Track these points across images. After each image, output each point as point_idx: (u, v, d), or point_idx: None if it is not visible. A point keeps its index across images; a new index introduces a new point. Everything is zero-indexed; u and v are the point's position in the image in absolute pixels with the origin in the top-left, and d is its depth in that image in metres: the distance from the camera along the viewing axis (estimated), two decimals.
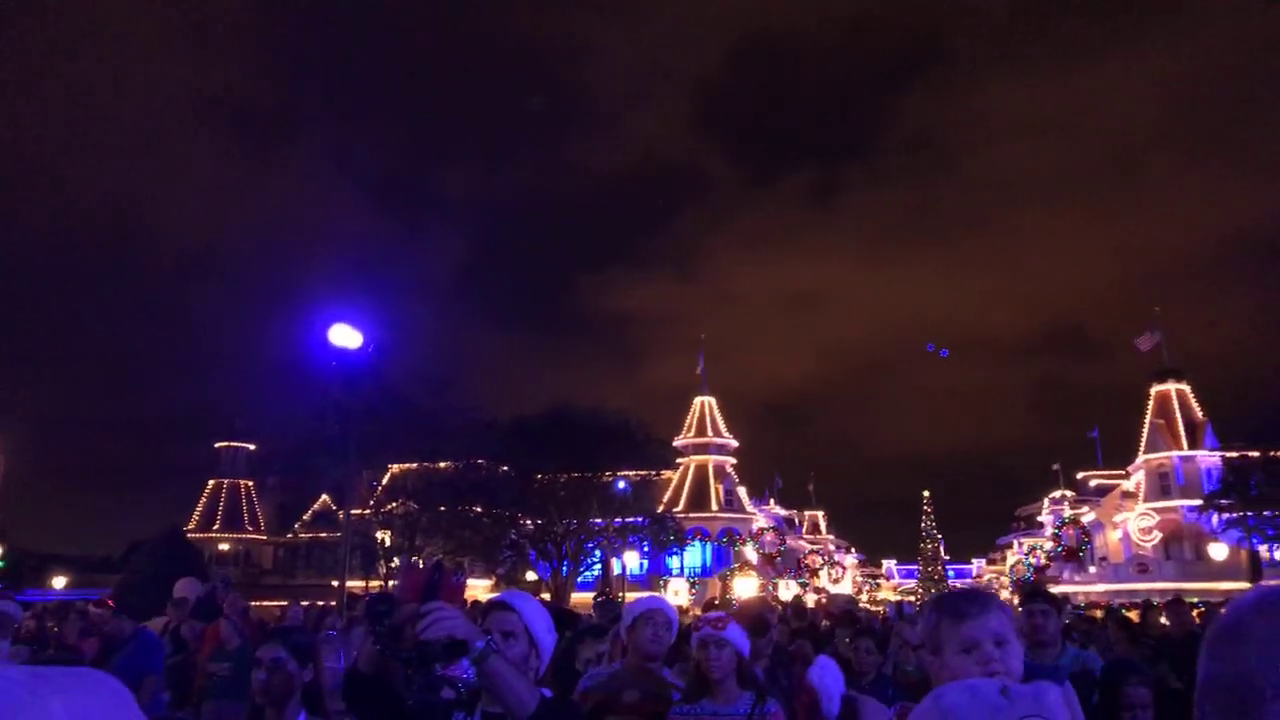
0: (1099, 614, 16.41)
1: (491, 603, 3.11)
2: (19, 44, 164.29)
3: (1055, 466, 67.09)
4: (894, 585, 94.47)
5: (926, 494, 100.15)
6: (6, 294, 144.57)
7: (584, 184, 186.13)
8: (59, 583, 47.97)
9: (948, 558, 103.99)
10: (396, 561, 37.31)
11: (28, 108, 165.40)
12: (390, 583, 35.11)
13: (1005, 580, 68.99)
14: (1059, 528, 53.60)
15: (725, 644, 3.77)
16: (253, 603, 18.17)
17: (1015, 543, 75.44)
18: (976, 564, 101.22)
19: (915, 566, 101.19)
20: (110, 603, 9.13)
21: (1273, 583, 1.03)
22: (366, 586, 35.29)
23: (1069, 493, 65.00)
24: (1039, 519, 69.10)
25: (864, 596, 63.10)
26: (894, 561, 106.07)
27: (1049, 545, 55.46)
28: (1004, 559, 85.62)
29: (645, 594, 5.66)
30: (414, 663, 2.68)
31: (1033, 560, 58.40)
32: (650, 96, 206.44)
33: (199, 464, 60.97)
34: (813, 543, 69.17)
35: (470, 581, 46.06)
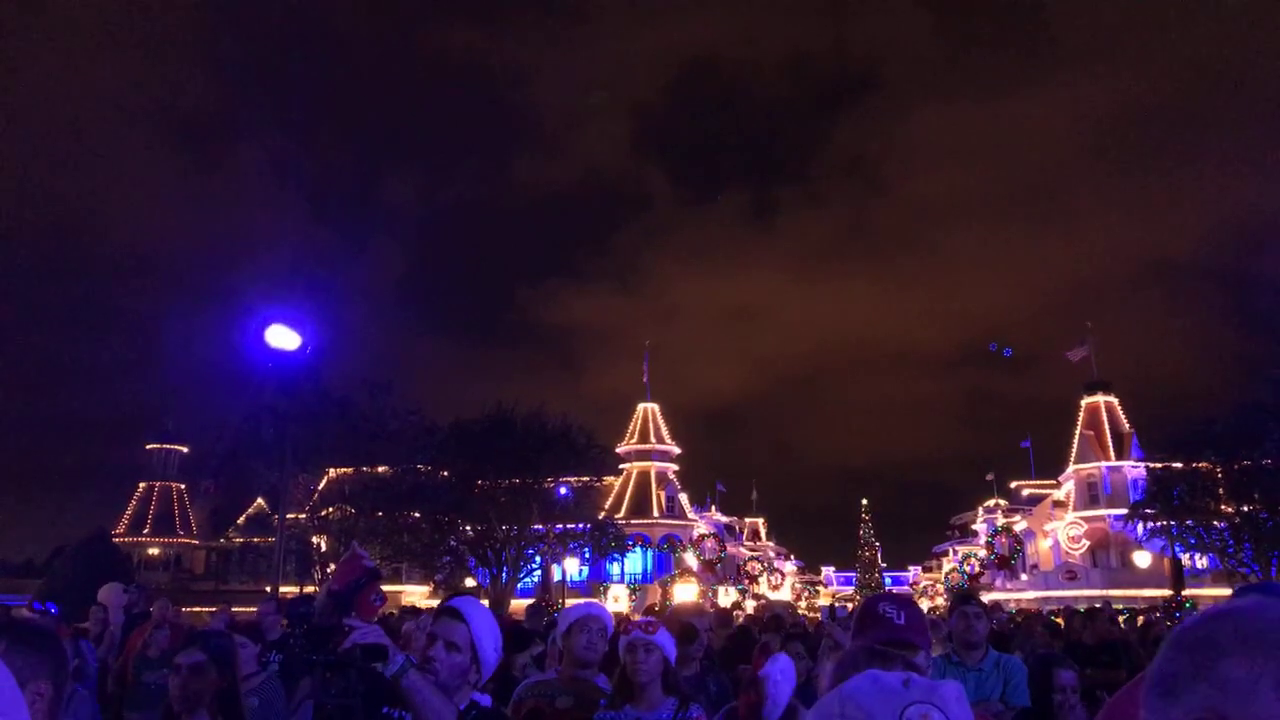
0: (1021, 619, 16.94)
1: (443, 608, 3.07)
2: None
3: (989, 476, 68.67)
4: (832, 592, 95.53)
5: (865, 502, 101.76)
6: None
7: (526, 199, 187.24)
8: None
9: (885, 565, 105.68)
10: (333, 567, 36.70)
11: None
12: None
13: (941, 588, 70.19)
14: (992, 536, 54.72)
15: (654, 648, 3.77)
16: (185, 609, 17.75)
17: (951, 550, 76.85)
18: (913, 571, 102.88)
19: (853, 574, 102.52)
20: (34, 606, 8.84)
21: (1245, 600, 1.02)
22: (301, 592, 34.67)
23: (1002, 501, 66.44)
24: (973, 527, 70.51)
25: (803, 603, 63.70)
26: (833, 569, 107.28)
27: (982, 553, 56.57)
28: (940, 566, 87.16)
29: (582, 600, 5.66)
30: (332, 666, 2.67)
31: (967, 568, 59.55)
32: (593, 117, 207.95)
33: (129, 466, 59.41)
34: (753, 550, 69.65)
35: (408, 588, 45.52)
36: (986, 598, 35.33)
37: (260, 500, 52.31)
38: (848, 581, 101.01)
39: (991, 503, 67.22)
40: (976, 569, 57.23)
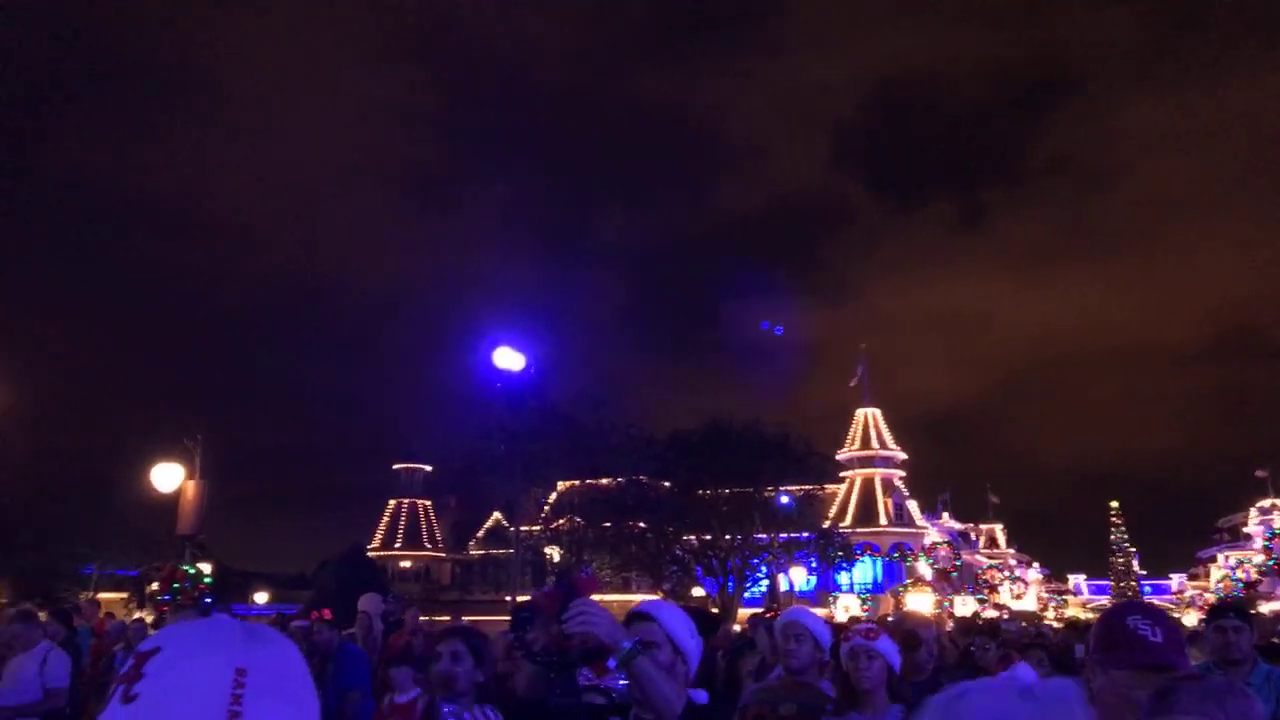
0: None
1: (631, 614, 3.13)
2: (227, 125, 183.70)
3: (1261, 473, 61.49)
4: (1083, 601, 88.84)
5: (1114, 505, 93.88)
6: (205, 339, 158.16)
7: (728, 222, 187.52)
8: (260, 598, 51.68)
9: (1143, 572, 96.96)
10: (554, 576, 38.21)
11: (234, 182, 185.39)
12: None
13: (1211, 597, 63.66)
14: (1270, 539, 49.08)
15: (876, 655, 3.67)
16: (434, 618, 19.03)
17: (1219, 556, 69.58)
18: (1176, 579, 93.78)
19: (1107, 582, 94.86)
20: (328, 614, 9.63)
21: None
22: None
23: (1279, 500, 59.46)
24: (1245, 530, 63.50)
25: (1050, 613, 59.68)
26: (1083, 577, 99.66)
27: (1259, 558, 50.86)
28: (1208, 574, 79.10)
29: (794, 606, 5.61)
30: (555, 667, 2.77)
31: (1241, 575, 53.68)
32: (787, 140, 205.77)
33: (379, 485, 64.25)
34: (991, 557, 66.05)
35: (636, 597, 46.57)
36: (1266, 607, 31.73)
37: (497, 514, 55.22)
38: (1101, 590, 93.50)
39: (1268, 503, 60.22)
40: (1253, 575, 51.49)
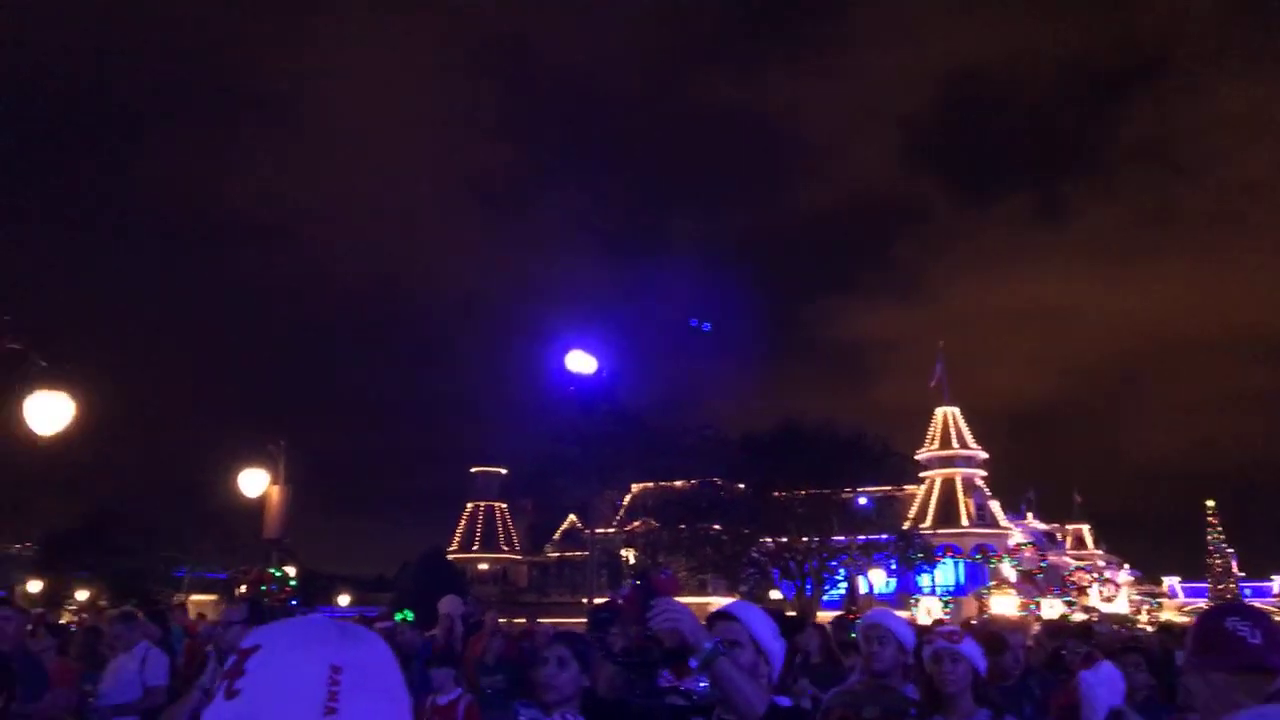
0: None
1: (715, 614, 3.13)
2: (311, 141, 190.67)
3: None
4: (1178, 605, 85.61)
5: (1210, 504, 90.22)
6: (289, 347, 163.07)
7: (800, 222, 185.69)
8: (343, 600, 53.00)
9: (1242, 574, 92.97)
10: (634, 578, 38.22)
11: (314, 195, 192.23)
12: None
13: None
14: None
15: (960, 658, 3.59)
16: (511, 620, 19.24)
17: None
18: (1278, 581, 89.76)
19: (1204, 584, 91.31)
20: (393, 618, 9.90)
21: None
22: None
23: None
24: None
25: (1143, 616, 57.69)
26: (1177, 579, 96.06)
27: None
28: None
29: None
30: (637, 668, 2.78)
31: None
32: (859, 136, 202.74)
33: (456, 489, 65.31)
34: (1078, 558, 64.11)
35: (714, 599, 46.40)
36: None
37: (572, 516, 55.60)
38: (1197, 593, 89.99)
39: None
40: None
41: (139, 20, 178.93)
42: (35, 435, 8.76)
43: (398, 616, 9.56)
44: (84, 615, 24.82)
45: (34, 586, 44.43)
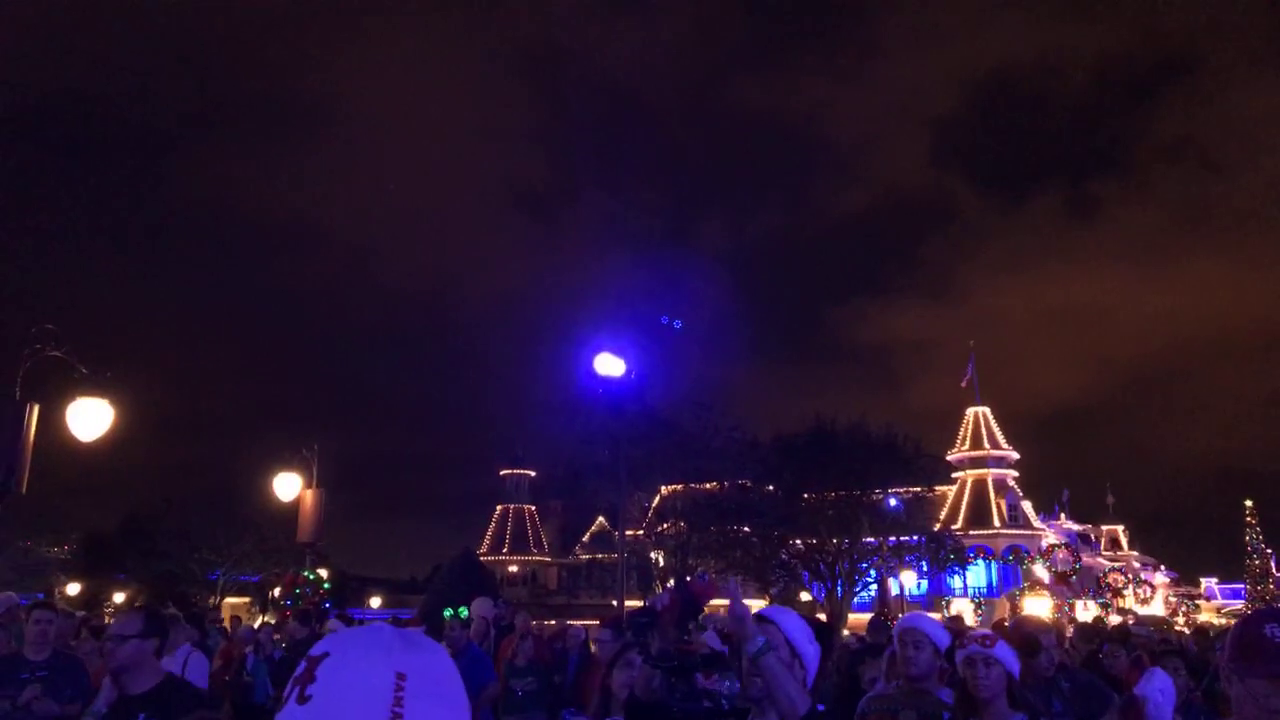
0: None
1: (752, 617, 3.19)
2: (348, 149, 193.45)
3: None
4: (1216, 606, 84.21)
5: (1249, 504, 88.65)
6: (321, 353, 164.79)
7: (828, 224, 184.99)
8: (375, 602, 53.44)
9: None
10: (672, 581, 38.25)
11: (349, 202, 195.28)
12: None
13: None
14: None
15: (994, 662, 3.59)
16: (542, 622, 19.35)
17: None
18: None
19: (1241, 585, 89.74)
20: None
21: None
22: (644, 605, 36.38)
23: None
24: None
25: (1180, 619, 56.84)
26: (1215, 580, 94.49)
27: None
28: None
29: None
30: (676, 672, 2.83)
31: None
32: (889, 138, 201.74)
33: (486, 491, 65.69)
34: (1113, 560, 63.27)
35: (747, 604, 46.23)
36: None
37: (601, 519, 55.73)
38: (1235, 595, 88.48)
39: None
40: None
41: (183, 32, 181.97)
42: (76, 441, 8.96)
43: (447, 613, 9.63)
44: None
45: (73, 589, 45.19)
